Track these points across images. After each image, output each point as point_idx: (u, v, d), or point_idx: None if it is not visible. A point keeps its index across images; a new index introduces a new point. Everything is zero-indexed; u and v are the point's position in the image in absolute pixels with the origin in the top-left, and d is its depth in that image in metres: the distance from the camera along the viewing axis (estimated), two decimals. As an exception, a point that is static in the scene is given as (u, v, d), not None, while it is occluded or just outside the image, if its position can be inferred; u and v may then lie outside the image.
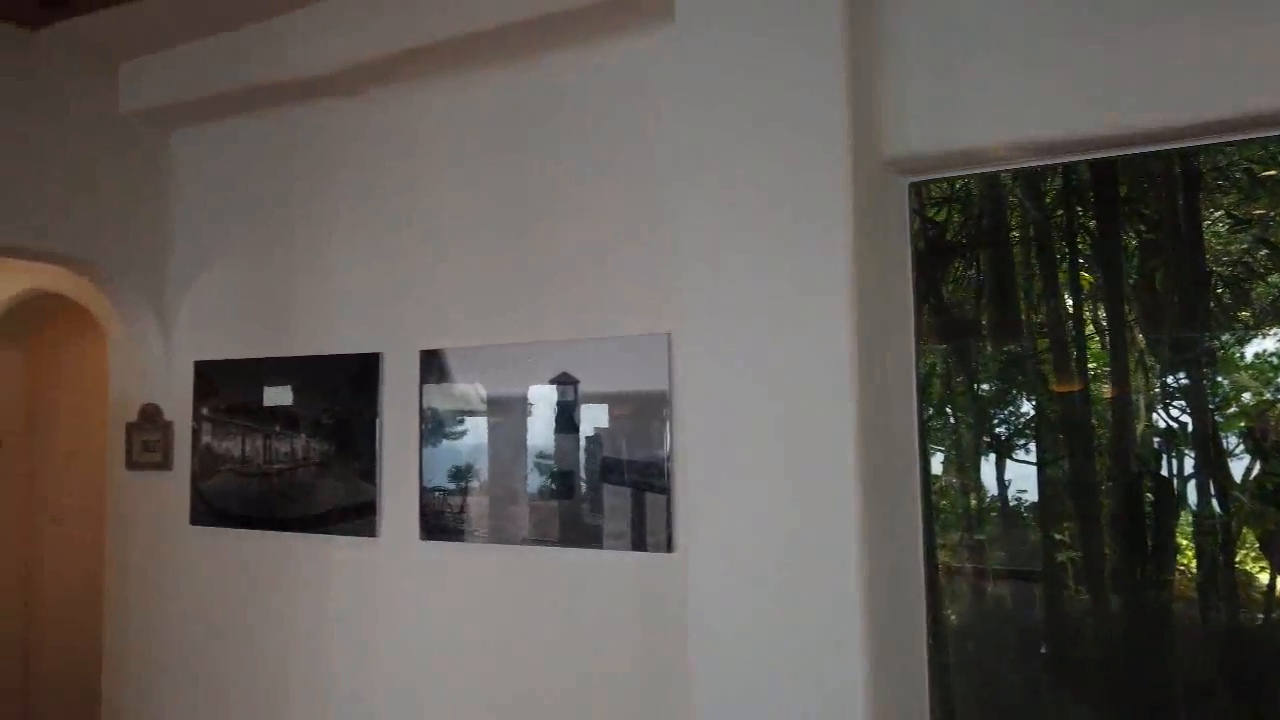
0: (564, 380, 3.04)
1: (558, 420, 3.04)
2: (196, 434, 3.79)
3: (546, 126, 3.13)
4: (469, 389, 3.22)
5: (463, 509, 3.19)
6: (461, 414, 3.22)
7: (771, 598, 2.31)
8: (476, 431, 3.19)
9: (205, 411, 3.79)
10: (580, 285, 3.03)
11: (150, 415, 3.91)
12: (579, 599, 2.95)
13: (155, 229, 3.92)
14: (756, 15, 2.46)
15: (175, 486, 3.83)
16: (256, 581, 3.63)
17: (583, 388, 3.00)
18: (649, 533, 2.85)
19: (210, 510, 3.73)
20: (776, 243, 2.39)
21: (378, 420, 3.40)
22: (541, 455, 3.06)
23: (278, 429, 3.61)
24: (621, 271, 2.96)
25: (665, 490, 2.83)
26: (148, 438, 3.89)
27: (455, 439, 3.23)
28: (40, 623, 4.87)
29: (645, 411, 2.89)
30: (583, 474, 2.99)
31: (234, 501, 3.67)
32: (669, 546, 2.80)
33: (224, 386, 3.76)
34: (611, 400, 2.95)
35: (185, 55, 3.62)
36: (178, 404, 3.87)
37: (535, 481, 3.07)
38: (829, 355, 2.29)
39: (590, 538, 2.95)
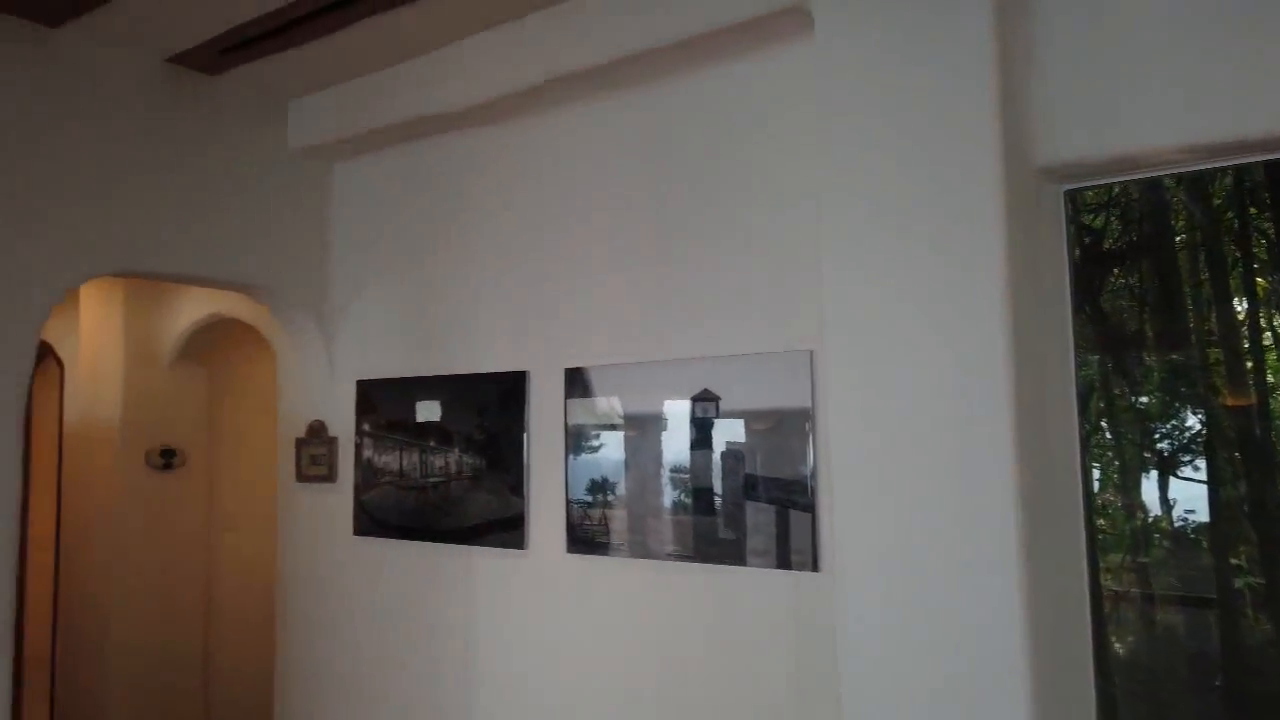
0: (705, 397, 3.06)
1: (697, 437, 3.07)
2: (359, 448, 4.02)
3: (685, 146, 3.17)
4: (610, 405, 3.28)
5: (605, 523, 3.26)
6: (602, 429, 3.30)
7: (927, 620, 2.26)
8: (616, 447, 3.25)
9: (366, 427, 4.01)
10: (721, 303, 3.05)
11: (317, 431, 4.17)
12: (723, 617, 2.96)
13: (319, 255, 4.19)
14: (900, 24, 2.43)
15: (339, 498, 4.07)
16: (413, 589, 3.80)
17: (723, 404, 3.02)
18: (794, 551, 2.83)
19: (371, 521, 3.94)
20: (925, 255, 2.35)
21: (525, 436, 3.52)
22: (681, 471, 3.10)
23: (432, 444, 3.78)
24: (762, 288, 2.97)
25: (810, 508, 2.81)
26: (315, 452, 4.15)
27: (596, 454, 3.31)
28: (219, 622, 5.25)
29: (786, 428, 2.88)
30: (723, 491, 3.00)
31: (393, 513, 3.87)
32: (815, 565, 2.78)
33: (382, 404, 3.97)
34: (752, 417, 2.96)
35: (345, 93, 3.87)
36: (341, 420, 4.11)
37: (674, 497, 3.10)
38: (983, 369, 2.23)
39: (733, 555, 2.96)
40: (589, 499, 3.31)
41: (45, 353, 5.11)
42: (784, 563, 2.85)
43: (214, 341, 5.18)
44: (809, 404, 2.84)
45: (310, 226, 4.16)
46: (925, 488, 2.30)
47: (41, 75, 3.28)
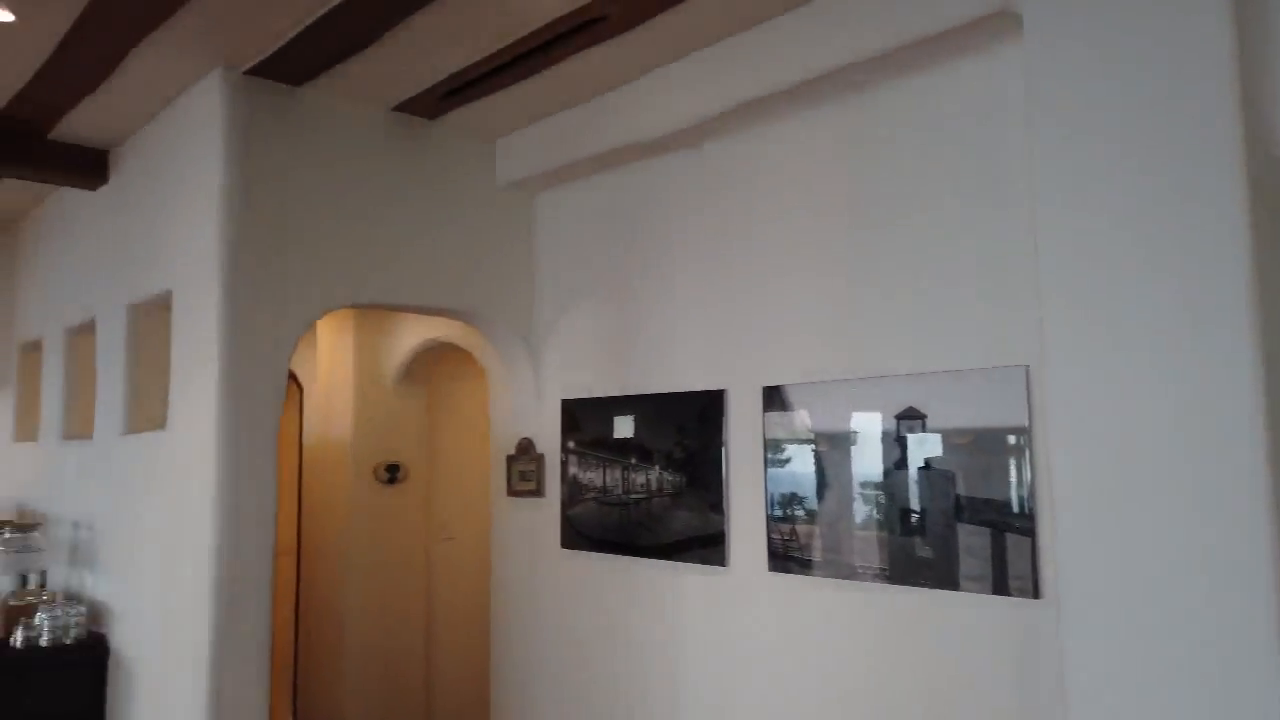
0: (909, 415, 2.98)
1: (901, 456, 2.99)
2: (564, 465, 4.19)
3: (884, 158, 3.12)
4: (808, 422, 3.26)
5: (806, 542, 3.22)
6: (800, 447, 3.27)
7: (1167, 652, 2.09)
8: (816, 464, 3.22)
9: (571, 445, 4.18)
10: (926, 317, 2.96)
11: (525, 448, 4.39)
12: (934, 642, 2.86)
13: (525, 282, 4.42)
14: (1118, 20, 2.29)
15: (547, 512, 4.26)
16: (618, 602, 3.91)
17: (929, 422, 2.92)
18: (1011, 576, 2.69)
19: (577, 535, 4.10)
20: (1157, 258, 2.19)
21: (723, 454, 3.55)
22: (884, 490, 3.02)
23: (633, 461, 3.89)
24: (970, 302, 2.86)
25: (1028, 531, 2.67)
26: (524, 468, 4.37)
27: (795, 472, 3.29)
28: (438, 626, 5.61)
29: (998, 447, 2.75)
30: (931, 511, 2.90)
31: (597, 528, 4.01)
32: (1035, 592, 2.63)
33: (586, 422, 4.13)
34: (959, 435, 2.85)
35: (548, 129, 4.07)
36: (548, 438, 4.31)
37: (877, 517, 3.03)
38: (1229, 379, 2.05)
39: (943, 578, 2.85)
40: (789, 517, 3.29)
41: (288, 377, 5.68)
42: (1001, 588, 2.71)
43: (431, 364, 5.56)
44: (1025, 422, 2.70)
45: (517, 255, 4.40)
46: (1162, 510, 2.13)
47: (286, 128, 3.67)
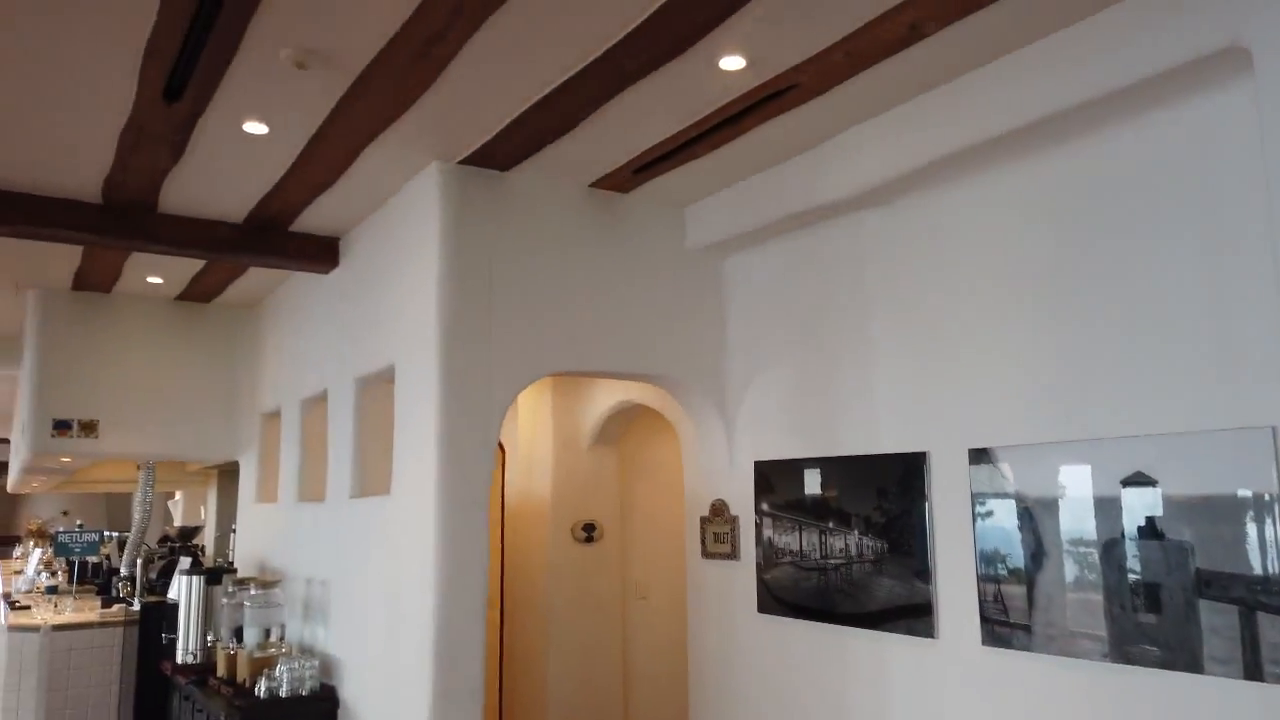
0: (1138, 481, 2.78)
1: (1127, 524, 2.79)
2: (759, 528, 4.18)
3: (1096, 208, 2.97)
4: (1022, 488, 3.10)
5: (1022, 617, 3.05)
6: (1014, 513, 3.11)
7: None
8: (1032, 533, 3.05)
9: (765, 507, 4.17)
10: (1149, 376, 2.78)
11: (719, 510, 4.41)
12: (1178, 728, 2.62)
13: (716, 343, 4.49)
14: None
15: (742, 575, 4.25)
16: (819, 671, 3.83)
17: (1158, 488, 2.72)
18: (1266, 660, 2.44)
19: (774, 599, 4.06)
20: None
21: (928, 519, 3.43)
22: (1109, 562, 2.82)
23: (831, 525, 3.83)
24: (1200, 359, 2.66)
25: (1286, 610, 2.41)
26: (718, 530, 4.39)
27: (1009, 541, 3.13)
28: (635, 682, 5.67)
29: (1241, 516, 2.52)
30: (1166, 585, 2.68)
31: (794, 593, 3.96)
32: (1298, 679, 2.37)
33: (780, 484, 4.11)
34: (1195, 503, 2.63)
35: (735, 194, 4.16)
36: (741, 500, 4.31)
37: (1103, 591, 2.82)
38: None
39: (1181, 659, 2.62)
40: (1001, 588, 3.13)
41: (492, 439, 5.99)
42: (1254, 673, 2.46)
43: (625, 425, 5.72)
44: (1274, 488, 2.46)
45: (707, 317, 4.49)
46: None
47: (494, 209, 3.94)
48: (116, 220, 4.36)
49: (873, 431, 3.71)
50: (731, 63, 3.00)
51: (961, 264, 3.41)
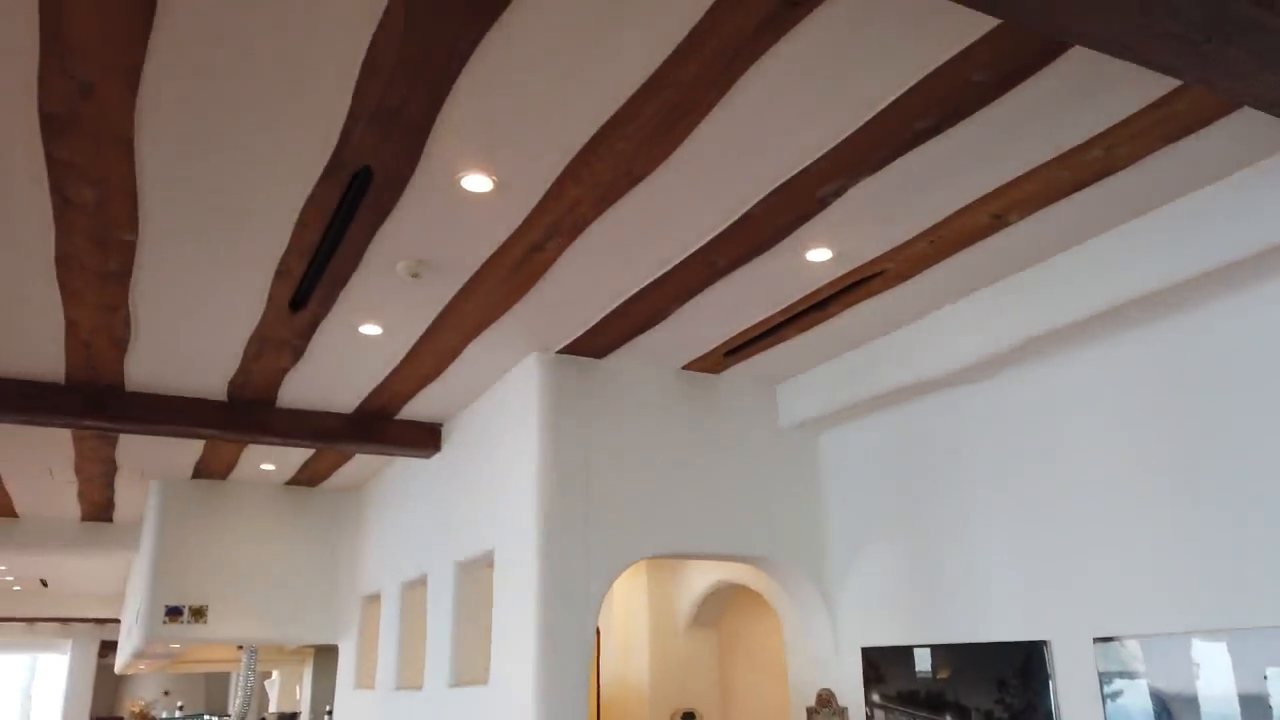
0: (1287, 673, 2.56)
1: (1286, 722, 2.54)
2: (871, 721, 3.95)
3: (1218, 379, 2.88)
4: (1154, 679, 2.88)
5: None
6: (1149, 711, 2.87)
7: None
8: (1179, 733, 2.81)
9: (876, 698, 3.95)
10: (1286, 559, 2.61)
11: (826, 700, 4.20)
12: None
13: (813, 522, 4.41)
14: None
15: (856, 774, 3.99)
16: None
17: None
18: None
19: (892, 802, 3.78)
20: None
21: (1054, 717, 3.19)
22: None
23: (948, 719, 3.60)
24: (1343, 540, 2.49)
25: None
26: (826, 723, 4.16)
27: (1153, 740, 2.88)
28: None
29: None
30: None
31: (914, 795, 3.68)
32: None
33: (890, 673, 3.90)
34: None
35: (828, 372, 4.19)
36: (850, 689, 4.10)
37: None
38: None
39: None
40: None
41: (587, 621, 5.90)
42: None
43: (723, 606, 5.58)
44: None
45: (802, 495, 4.43)
46: None
47: (589, 395, 4.06)
48: (239, 416, 4.64)
49: (985, 616, 3.54)
50: (818, 255, 3.11)
51: (1071, 439, 3.32)
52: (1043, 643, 3.29)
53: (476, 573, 4.56)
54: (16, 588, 13.80)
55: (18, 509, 7.41)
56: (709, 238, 2.99)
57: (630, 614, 5.71)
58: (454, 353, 4.03)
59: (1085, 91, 2.27)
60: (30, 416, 4.21)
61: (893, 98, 2.29)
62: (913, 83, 2.23)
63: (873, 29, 2.05)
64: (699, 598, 5.43)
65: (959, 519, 3.72)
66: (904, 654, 3.84)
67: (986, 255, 3.13)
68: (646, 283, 3.34)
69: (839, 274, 3.27)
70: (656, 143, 2.45)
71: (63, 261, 3.07)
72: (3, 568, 11.42)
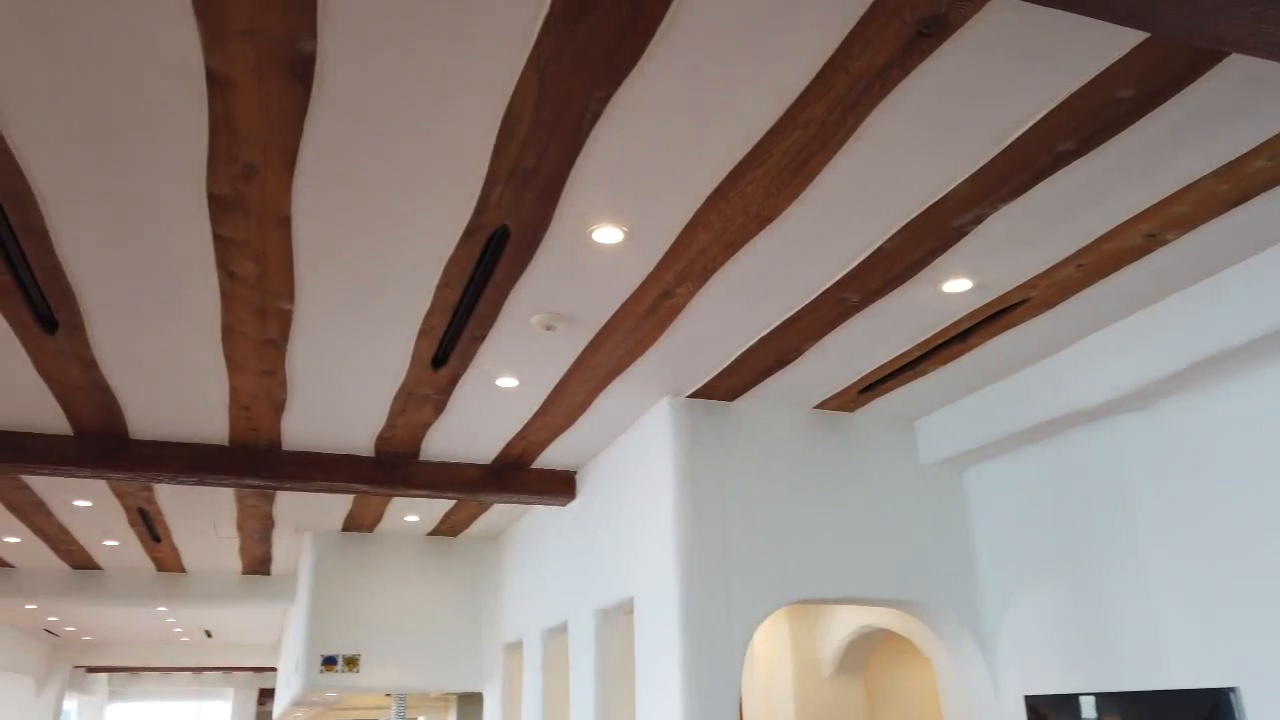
0: None
1: None
2: (1039, 776, 3.71)
3: (1402, 404, 2.64)
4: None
5: None
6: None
7: None
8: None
9: (1043, 751, 3.72)
10: None
11: (988, 752, 3.98)
12: None
13: (962, 563, 4.22)
14: None
15: (1026, 833, 3.74)
16: None
17: None
18: None
19: None
20: None
21: (1252, 770, 2.93)
22: None
23: (1128, 775, 3.34)
24: None
25: None
26: (989, 777, 3.93)
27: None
28: None
29: None
30: None
31: None
32: None
33: (1058, 724, 3.67)
34: None
35: (970, 406, 4.04)
36: (1013, 741, 3.88)
37: None
38: None
39: None
40: None
41: (728, 668, 5.80)
42: None
43: (869, 652, 5.39)
44: None
45: (948, 535, 4.26)
46: None
47: (721, 438, 4.03)
48: (385, 470, 4.83)
49: (1160, 660, 3.29)
50: (956, 286, 3.02)
51: (1246, 467, 3.08)
52: (1230, 689, 3.03)
53: (617, 620, 4.57)
54: (184, 639, 14.69)
55: (185, 564, 7.91)
56: (840, 275, 2.95)
57: (772, 662, 5.58)
58: (587, 401, 4.09)
59: (1243, 100, 2.14)
60: (200, 478, 4.50)
61: (1032, 122, 2.22)
62: (1053, 105, 2.15)
63: (1008, 53, 1.99)
64: (843, 644, 5.27)
65: (1124, 555, 3.49)
66: (1070, 702, 3.60)
67: (1142, 276, 2.96)
68: (777, 323, 3.31)
69: (979, 304, 3.15)
70: (786, 184, 2.44)
71: (228, 332, 3.30)
72: (172, 620, 12.19)
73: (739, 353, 3.57)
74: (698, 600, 3.72)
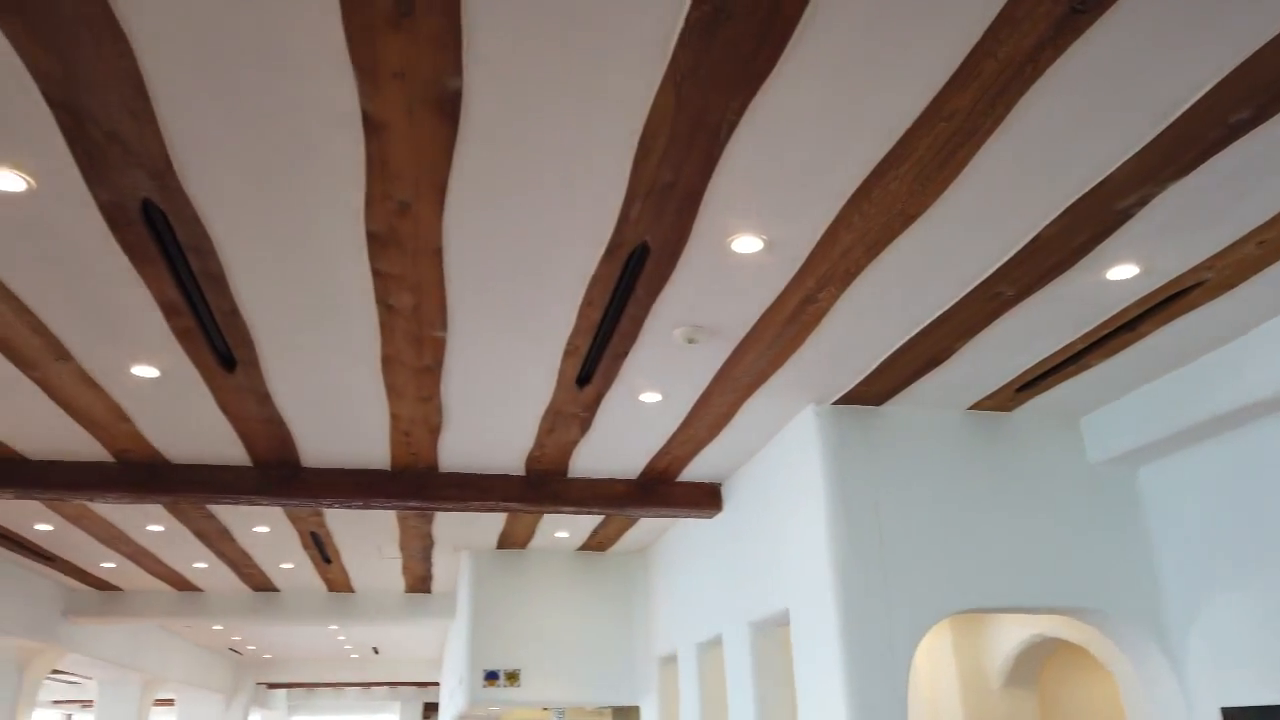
0: None
1: None
2: (1245, 796, 3.42)
3: None
4: None
5: None
6: None
7: None
8: None
9: (1249, 769, 3.42)
10: None
11: (1184, 771, 3.69)
12: None
13: (1141, 566, 3.95)
14: None
15: None
16: None
17: None
18: None
19: None
20: None
21: None
22: None
23: (1352, 797, 3.03)
24: None
25: None
26: (1187, 797, 3.65)
27: None
28: None
29: None
30: None
31: None
32: None
33: (1264, 740, 3.37)
34: None
35: (1141, 399, 3.79)
36: (1212, 759, 3.59)
37: None
38: None
39: None
40: None
41: (888, 680, 5.62)
42: None
43: (1041, 663, 5.12)
44: None
45: (1123, 536, 3.99)
46: None
47: (870, 444, 3.92)
48: (536, 489, 4.95)
49: (1387, 672, 2.97)
50: (1122, 272, 2.84)
51: None
52: None
53: (772, 632, 4.51)
54: (354, 655, 15.48)
55: (354, 584, 8.34)
56: (993, 268, 2.82)
57: (936, 674, 5.38)
58: (730, 412, 4.07)
59: None
60: (366, 502, 4.74)
61: (1200, 94, 2.07)
62: (1224, 74, 2.00)
63: (1171, 23, 1.86)
64: (1012, 655, 5.02)
65: (1332, 556, 3.19)
66: (1273, 713, 3.31)
67: (1335, 248, 2.71)
68: (926, 323, 3.21)
69: (1148, 290, 2.96)
70: (932, 178, 2.37)
71: (387, 361, 3.46)
72: (342, 638, 12.87)
73: (886, 355, 3.48)
74: (857, 612, 3.63)
